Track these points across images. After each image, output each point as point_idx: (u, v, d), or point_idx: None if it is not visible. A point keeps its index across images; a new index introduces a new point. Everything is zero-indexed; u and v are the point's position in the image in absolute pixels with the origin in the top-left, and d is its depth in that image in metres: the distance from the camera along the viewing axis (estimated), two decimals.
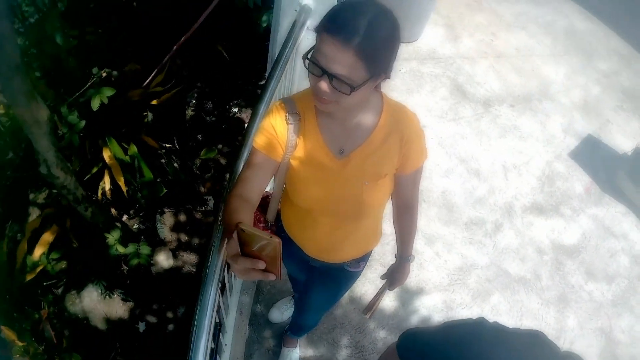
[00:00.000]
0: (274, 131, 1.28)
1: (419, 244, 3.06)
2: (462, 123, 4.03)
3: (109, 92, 2.66)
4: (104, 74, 2.88)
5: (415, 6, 4.39)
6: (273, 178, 1.40)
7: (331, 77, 1.05)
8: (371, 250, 1.67)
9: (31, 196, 3.01)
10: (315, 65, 1.07)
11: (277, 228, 1.65)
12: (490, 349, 1.03)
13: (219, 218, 1.40)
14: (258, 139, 1.29)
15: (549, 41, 5.47)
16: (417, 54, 4.57)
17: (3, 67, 1.80)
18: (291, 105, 1.29)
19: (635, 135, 4.66)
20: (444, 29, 5.07)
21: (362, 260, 1.67)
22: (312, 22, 2.39)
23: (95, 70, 2.85)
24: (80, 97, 2.75)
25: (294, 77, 2.47)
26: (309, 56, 1.10)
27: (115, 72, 2.94)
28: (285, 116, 1.28)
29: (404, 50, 4.53)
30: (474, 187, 3.57)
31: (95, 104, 2.61)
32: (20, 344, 2.39)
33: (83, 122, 2.64)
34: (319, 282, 1.78)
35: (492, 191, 3.59)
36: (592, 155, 4.26)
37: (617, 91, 5.17)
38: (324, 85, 1.08)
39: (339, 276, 1.72)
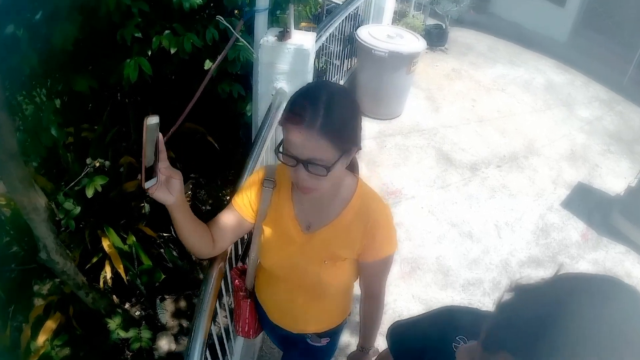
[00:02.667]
0: (250, 193, 1.39)
1: (417, 310, 3.17)
2: (450, 190, 4.23)
3: (101, 180, 2.86)
4: (97, 164, 3.05)
5: (394, 84, 4.75)
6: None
7: (305, 163, 1.12)
8: (336, 329, 1.69)
9: (35, 287, 3.14)
10: (288, 156, 1.15)
11: (252, 293, 1.73)
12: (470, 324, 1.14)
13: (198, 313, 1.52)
14: (236, 197, 1.41)
15: (529, 99, 5.77)
16: (401, 129, 4.87)
17: (1, 154, 1.92)
18: (270, 173, 1.39)
19: (626, 175, 4.79)
20: (425, 101, 5.41)
21: (325, 336, 1.68)
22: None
23: (89, 160, 3.05)
24: (76, 186, 2.95)
25: (270, 158, 2.67)
26: (280, 149, 1.17)
27: (107, 162, 3.14)
28: (262, 182, 1.38)
29: (388, 127, 4.84)
30: (468, 249, 3.71)
31: (89, 192, 2.80)
32: None
33: (78, 208, 2.85)
34: (287, 354, 1.86)
35: (486, 251, 3.72)
36: (585, 202, 4.38)
37: (602, 135, 5.37)
38: (302, 173, 1.15)
39: (303, 348, 1.74)
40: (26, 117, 2.93)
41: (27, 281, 3.17)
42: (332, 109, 1.10)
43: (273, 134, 2.48)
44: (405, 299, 3.25)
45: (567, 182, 4.58)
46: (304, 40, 2.54)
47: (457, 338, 1.07)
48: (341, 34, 4.91)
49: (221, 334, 2.04)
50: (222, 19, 2.67)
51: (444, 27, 6.62)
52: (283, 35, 2.52)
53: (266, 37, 2.52)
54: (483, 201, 4.18)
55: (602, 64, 6.45)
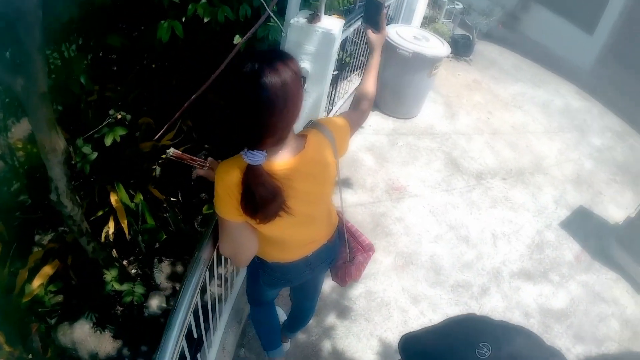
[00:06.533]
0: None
1: (404, 303, 3.29)
2: (454, 194, 4.33)
3: (122, 131, 2.99)
4: (119, 116, 3.16)
5: (414, 86, 4.85)
6: None
7: None
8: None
9: (37, 237, 3.25)
10: None
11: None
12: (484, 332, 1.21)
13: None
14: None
15: (544, 119, 5.84)
16: (414, 130, 4.97)
17: (33, 95, 2.06)
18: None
19: (628, 206, 4.85)
20: (442, 107, 5.50)
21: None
22: (309, 85, 2.78)
23: (111, 111, 3.18)
24: (95, 134, 3.05)
25: None
26: None
27: (129, 116, 3.24)
28: None
29: (403, 126, 4.95)
30: (462, 252, 3.80)
31: (108, 141, 2.92)
32: (8, 348, 2.52)
33: (95, 154, 2.97)
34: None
35: (480, 257, 3.82)
36: (583, 225, 4.46)
37: (610, 165, 5.43)
38: None
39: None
40: (58, 65, 3.05)
41: (29, 230, 3.24)
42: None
43: None
44: (395, 290, 3.35)
45: (569, 204, 4.66)
46: (332, 25, 2.65)
47: (480, 344, 1.13)
48: None
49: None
50: None
51: (471, 38, 6.69)
52: (313, 18, 2.64)
53: (297, 18, 2.64)
54: (484, 209, 4.27)
55: (621, 96, 6.50)
